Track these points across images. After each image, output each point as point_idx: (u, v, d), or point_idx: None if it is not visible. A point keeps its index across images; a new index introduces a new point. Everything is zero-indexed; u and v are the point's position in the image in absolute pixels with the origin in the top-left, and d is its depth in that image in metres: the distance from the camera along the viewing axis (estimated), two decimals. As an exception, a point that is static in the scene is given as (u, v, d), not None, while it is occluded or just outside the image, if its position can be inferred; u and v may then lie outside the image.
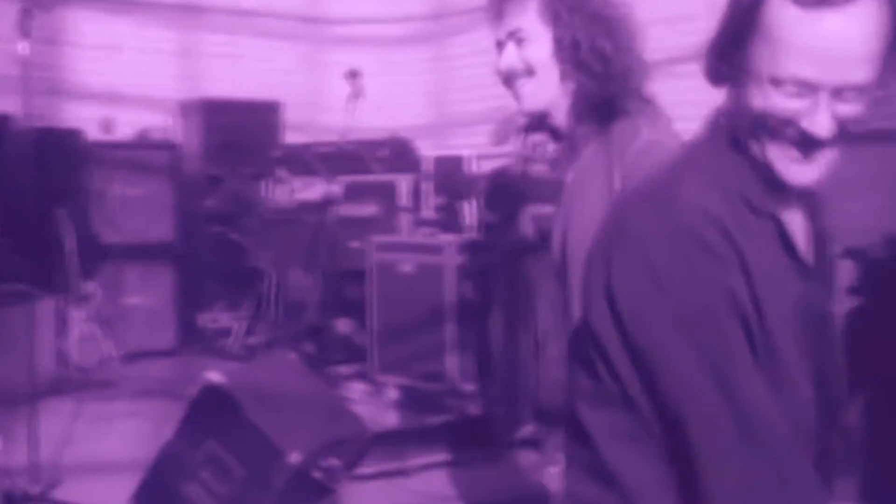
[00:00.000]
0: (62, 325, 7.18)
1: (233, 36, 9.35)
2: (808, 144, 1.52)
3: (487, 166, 7.00)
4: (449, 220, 7.12)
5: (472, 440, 5.59)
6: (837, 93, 1.49)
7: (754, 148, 1.56)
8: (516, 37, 2.20)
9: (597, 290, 1.59)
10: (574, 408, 1.68)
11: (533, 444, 5.54)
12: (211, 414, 3.73)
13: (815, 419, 1.61)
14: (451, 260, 6.19)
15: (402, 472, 5.13)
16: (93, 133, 8.09)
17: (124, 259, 7.88)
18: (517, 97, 2.24)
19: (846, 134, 1.52)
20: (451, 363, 6.10)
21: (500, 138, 5.71)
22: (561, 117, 2.22)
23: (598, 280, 1.58)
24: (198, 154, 8.57)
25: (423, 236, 6.75)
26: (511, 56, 2.21)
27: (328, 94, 9.25)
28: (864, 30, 1.48)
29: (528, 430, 5.64)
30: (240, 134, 8.55)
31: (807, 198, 1.65)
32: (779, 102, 1.51)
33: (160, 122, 8.64)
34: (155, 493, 3.79)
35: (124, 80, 8.66)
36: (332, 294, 7.32)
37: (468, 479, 5.19)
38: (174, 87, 8.83)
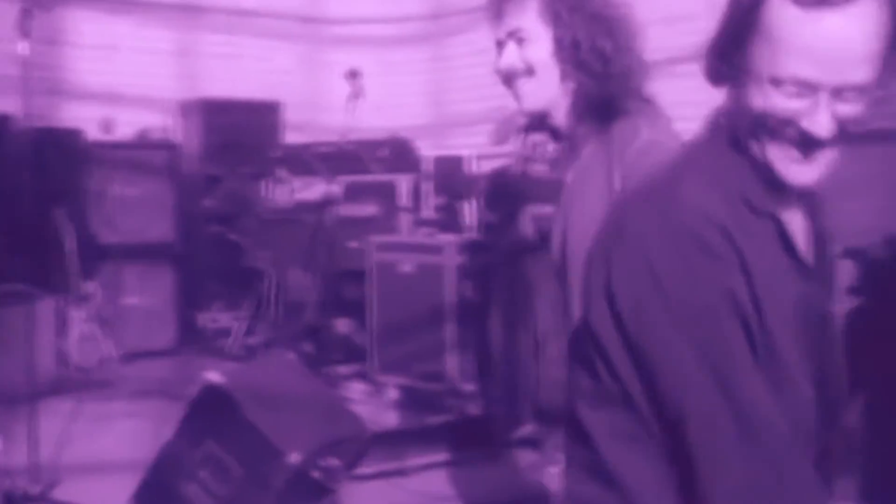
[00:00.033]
0: (62, 326, 7.17)
1: (232, 36, 9.35)
2: (807, 144, 1.51)
3: (487, 166, 7.00)
4: (449, 220, 7.13)
5: (472, 440, 5.59)
6: (837, 93, 1.49)
7: (754, 148, 1.56)
8: (516, 36, 2.20)
9: (597, 290, 1.59)
10: (574, 407, 1.68)
11: (532, 443, 5.54)
12: (210, 414, 3.73)
13: (815, 419, 1.61)
14: (451, 260, 6.19)
15: (402, 472, 5.13)
16: (92, 133, 8.09)
17: (124, 259, 7.88)
18: (517, 97, 2.24)
19: (846, 134, 1.52)
20: (451, 363, 6.10)
21: (500, 138, 5.71)
22: (561, 117, 2.22)
23: (598, 280, 1.58)
24: (197, 154, 8.57)
25: (422, 236, 6.75)
26: (511, 56, 2.21)
27: (327, 94, 9.25)
28: (864, 29, 1.48)
29: (527, 429, 5.64)
30: (239, 134, 8.55)
31: (807, 198, 1.64)
32: (779, 102, 1.50)
33: (160, 122, 8.63)
34: (154, 493, 3.80)
35: (124, 80, 8.66)
36: (332, 294, 7.32)
37: (468, 478, 5.19)
38: (173, 87, 8.83)
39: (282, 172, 7.99)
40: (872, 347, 3.58)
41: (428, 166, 7.84)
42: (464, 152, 7.91)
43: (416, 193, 7.47)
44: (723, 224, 1.52)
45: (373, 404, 6.21)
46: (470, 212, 6.86)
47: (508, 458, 5.49)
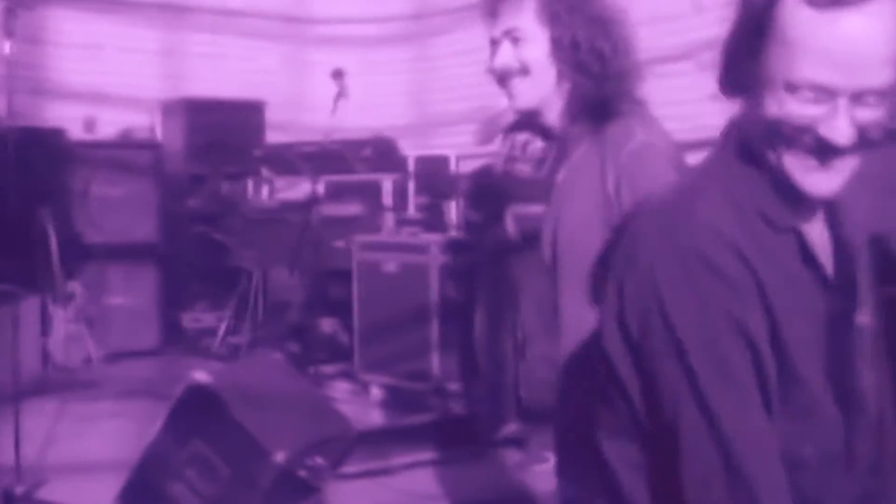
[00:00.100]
0: (46, 325, 7.16)
1: (216, 35, 9.33)
2: (826, 152, 1.45)
3: (470, 166, 7.02)
4: (432, 219, 7.14)
5: (457, 439, 5.60)
6: (856, 97, 1.43)
7: (771, 158, 1.50)
8: (512, 36, 2.21)
9: (609, 317, 1.55)
10: (592, 436, 1.66)
11: (517, 442, 5.56)
12: (196, 413, 3.72)
13: (846, 442, 1.55)
14: (435, 259, 6.20)
15: (387, 471, 5.13)
16: (75, 132, 8.07)
17: (107, 259, 7.86)
18: (510, 96, 2.24)
19: (866, 140, 1.45)
20: (436, 362, 6.11)
21: (485, 138, 5.71)
22: (553, 117, 2.23)
23: (611, 306, 1.54)
24: (181, 154, 8.55)
25: (406, 236, 6.76)
26: (506, 55, 2.21)
27: (311, 93, 9.24)
28: (883, 30, 1.41)
29: (512, 428, 5.65)
30: (223, 133, 8.54)
31: (827, 207, 1.57)
32: (795, 109, 1.44)
33: (143, 122, 8.62)
34: (140, 493, 3.79)
35: (107, 80, 8.64)
36: (317, 293, 7.32)
37: (453, 477, 5.20)
38: (157, 87, 8.81)
39: (265, 172, 7.99)
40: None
41: (411, 166, 7.85)
42: (447, 152, 7.92)
43: (399, 193, 7.48)
44: (737, 245, 1.46)
45: (357, 403, 6.22)
46: (453, 211, 6.87)
47: (493, 457, 5.51)
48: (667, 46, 5.80)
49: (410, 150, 8.24)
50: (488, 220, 5.86)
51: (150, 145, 8.45)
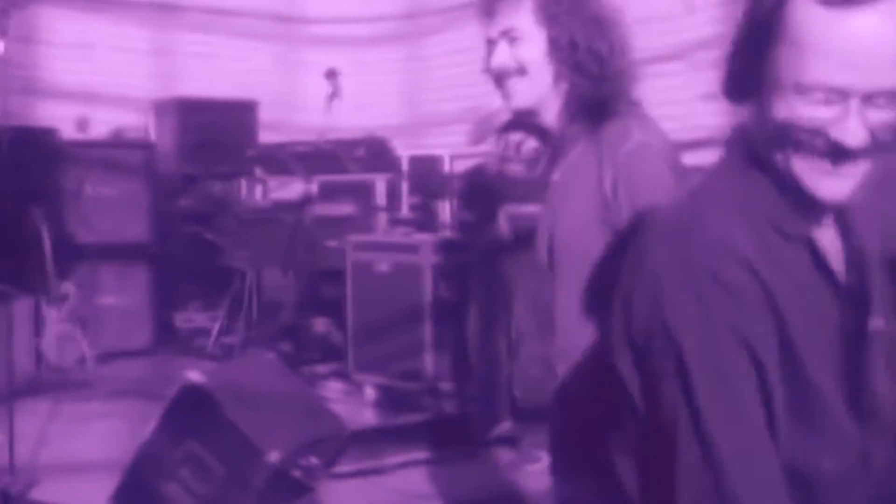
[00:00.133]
0: (38, 326, 7.15)
1: (208, 35, 9.33)
2: (838, 155, 1.41)
3: (463, 166, 7.02)
4: (425, 219, 7.14)
5: (450, 438, 5.61)
6: (868, 99, 1.39)
7: (780, 164, 1.45)
8: (509, 36, 2.21)
9: (618, 334, 1.52)
10: (589, 437, 1.66)
11: (510, 442, 5.56)
12: (190, 413, 3.72)
13: (861, 453, 1.51)
14: (428, 259, 6.20)
15: (380, 471, 5.14)
16: (68, 132, 8.05)
17: (100, 259, 7.85)
18: (506, 95, 2.24)
19: (878, 143, 1.41)
20: (428, 362, 6.11)
21: (478, 138, 5.72)
22: (550, 117, 2.23)
23: (619, 322, 1.51)
24: (173, 153, 8.54)
25: (399, 236, 6.76)
26: (503, 55, 2.21)
27: (303, 93, 9.25)
28: (895, 30, 1.37)
29: (504, 428, 5.66)
30: (215, 133, 8.53)
31: (837, 212, 1.52)
32: (805, 112, 1.40)
33: (135, 122, 8.61)
34: (134, 493, 3.79)
35: (99, 79, 8.63)
36: (309, 293, 7.32)
37: (446, 477, 5.20)
38: (149, 86, 8.80)
39: (258, 172, 7.99)
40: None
41: (404, 166, 7.86)
42: (440, 152, 7.93)
43: (392, 193, 7.48)
44: (747, 257, 1.42)
45: (350, 403, 6.22)
46: (446, 211, 6.88)
47: (486, 457, 5.51)
48: (659, 46, 5.82)
49: (403, 150, 8.24)
50: (481, 219, 5.87)
51: (143, 145, 8.44)
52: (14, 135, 6.69)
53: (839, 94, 1.39)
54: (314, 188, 7.44)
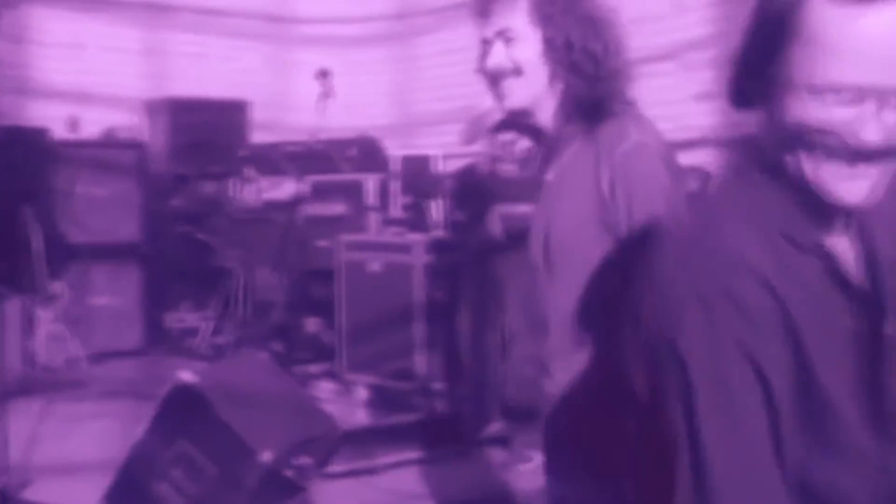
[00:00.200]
0: (29, 326, 7.14)
1: (199, 35, 9.32)
2: (857, 158, 1.36)
3: (454, 165, 7.03)
4: (416, 219, 7.15)
5: (442, 438, 5.61)
6: (885, 98, 1.34)
7: (796, 169, 1.40)
8: (505, 36, 2.20)
9: (629, 347, 1.48)
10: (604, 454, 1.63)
11: (501, 441, 5.57)
12: (182, 413, 3.72)
13: (882, 469, 1.45)
14: (420, 259, 6.21)
15: (372, 471, 5.14)
16: (59, 132, 8.04)
17: (91, 259, 7.85)
18: (502, 96, 2.23)
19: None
20: (420, 362, 6.12)
21: (470, 138, 5.73)
22: (545, 117, 2.23)
23: (630, 336, 1.47)
24: (164, 153, 8.53)
25: (391, 235, 6.77)
26: (499, 55, 2.21)
27: (294, 93, 9.24)
28: None
29: (496, 428, 5.67)
30: (206, 133, 8.53)
31: (853, 217, 1.46)
32: (821, 113, 1.35)
33: (126, 121, 8.60)
34: (126, 493, 3.79)
35: (90, 79, 8.62)
36: (301, 293, 7.33)
37: (438, 476, 5.21)
38: (140, 86, 8.79)
39: (249, 172, 7.99)
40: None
41: (395, 166, 7.86)
42: (431, 152, 7.94)
43: (384, 193, 7.49)
44: (760, 271, 1.37)
45: (342, 403, 6.22)
46: (437, 211, 6.88)
47: (478, 456, 5.52)
48: (650, 47, 5.83)
49: (395, 150, 8.25)
50: (473, 219, 5.87)
51: (134, 145, 8.44)
52: (5, 135, 6.70)
53: (856, 95, 1.34)
54: (306, 188, 7.44)
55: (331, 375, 6.70)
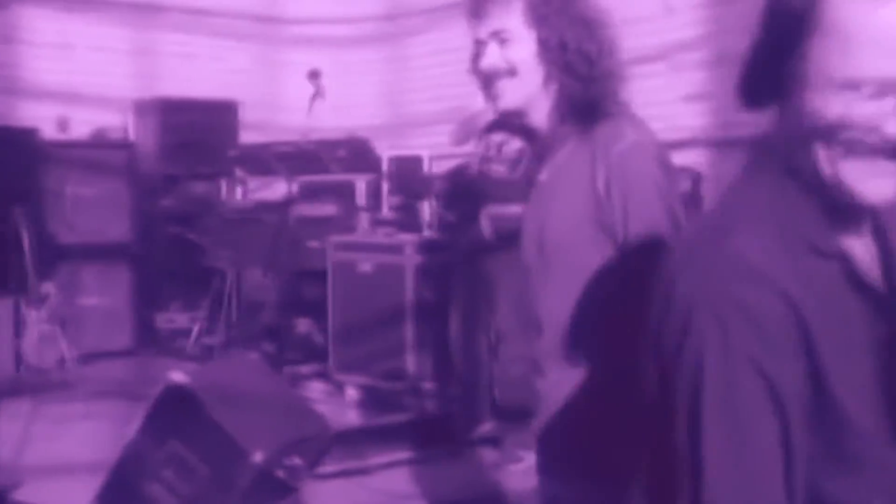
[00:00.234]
0: (19, 326, 7.13)
1: (189, 35, 9.31)
2: (879, 154, 1.30)
3: (444, 166, 7.04)
4: (407, 219, 7.15)
5: (433, 438, 5.62)
6: None
7: (814, 168, 1.34)
8: (500, 37, 2.20)
9: (650, 364, 1.42)
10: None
11: (492, 441, 5.58)
12: (174, 413, 3.72)
13: None
14: (410, 259, 6.22)
15: (363, 471, 5.15)
16: (48, 132, 8.04)
17: (81, 259, 7.84)
18: (495, 96, 2.22)
19: None
20: (411, 362, 6.13)
21: (461, 138, 5.74)
22: (538, 117, 2.24)
23: (649, 349, 1.41)
24: (154, 153, 8.52)
25: (381, 236, 6.77)
26: (494, 56, 2.21)
27: (284, 93, 9.24)
28: None
29: (487, 427, 5.68)
30: (196, 133, 8.52)
31: (869, 217, 1.42)
32: (842, 109, 1.30)
33: (116, 122, 8.59)
34: (117, 493, 3.79)
35: (79, 79, 8.60)
36: (291, 294, 7.32)
37: (429, 476, 5.22)
38: (130, 86, 8.77)
39: (240, 172, 7.98)
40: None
41: (386, 166, 7.87)
42: (421, 152, 7.94)
43: (374, 193, 7.49)
44: (776, 281, 1.30)
45: (333, 403, 6.23)
46: (428, 211, 6.89)
47: (469, 456, 5.53)
48: (639, 48, 5.84)
49: (385, 151, 8.25)
50: (463, 220, 5.88)
51: (124, 145, 8.44)
52: (-6, 135, 6.68)
53: (877, 89, 1.29)
54: (296, 188, 7.44)
55: (322, 376, 6.70)
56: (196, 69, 9.20)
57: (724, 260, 1.33)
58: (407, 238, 6.44)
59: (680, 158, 2.25)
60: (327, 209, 7.28)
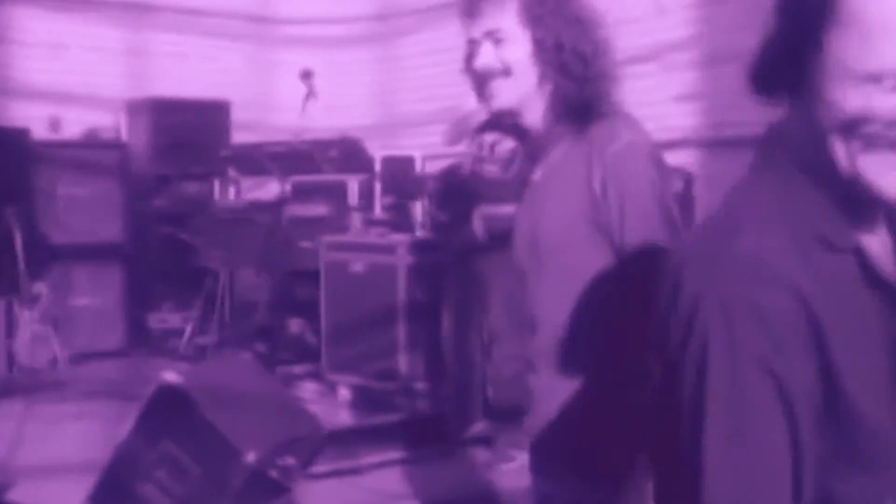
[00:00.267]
0: (11, 327, 7.12)
1: (181, 35, 9.30)
2: None
3: (436, 166, 7.04)
4: (399, 219, 7.15)
5: (425, 438, 5.63)
6: None
7: (832, 161, 1.30)
8: (494, 37, 2.20)
9: (654, 364, 1.39)
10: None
11: (484, 441, 5.59)
12: (167, 413, 3.72)
13: None
14: (403, 259, 6.22)
15: (356, 471, 5.15)
16: (40, 132, 8.03)
17: (73, 259, 7.83)
18: (489, 96, 2.22)
19: None
20: (403, 362, 6.13)
21: (454, 138, 5.74)
22: (533, 117, 2.24)
23: (656, 349, 1.38)
24: (146, 153, 8.52)
25: (374, 236, 6.77)
26: (489, 55, 2.21)
27: (276, 93, 9.25)
28: None
29: (479, 427, 5.69)
30: (189, 133, 8.52)
31: (888, 211, 1.38)
32: (863, 101, 1.25)
33: (108, 122, 8.59)
34: (110, 494, 3.78)
35: (71, 79, 8.60)
36: (284, 294, 7.32)
37: (421, 476, 5.22)
38: (122, 86, 8.77)
39: (232, 172, 7.98)
40: None
41: (378, 166, 7.87)
42: (413, 152, 7.95)
43: (367, 193, 7.50)
44: (787, 278, 1.27)
45: (325, 403, 6.22)
46: (420, 212, 6.89)
47: (461, 456, 5.54)
48: (630, 48, 5.85)
49: (376, 151, 8.26)
50: (456, 220, 5.89)
51: (116, 145, 8.43)
52: (-14, 135, 6.67)
53: None
54: (288, 188, 7.44)
55: (314, 376, 6.70)
56: (188, 69, 9.20)
57: (731, 257, 1.29)
58: (399, 238, 6.45)
59: (671, 159, 2.26)
60: (320, 209, 7.28)
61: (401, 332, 6.14)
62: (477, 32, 2.22)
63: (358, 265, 6.43)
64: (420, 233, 6.63)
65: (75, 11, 8.75)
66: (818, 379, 1.28)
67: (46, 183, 7.79)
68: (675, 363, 1.31)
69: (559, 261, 2.16)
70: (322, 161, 7.64)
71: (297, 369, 6.90)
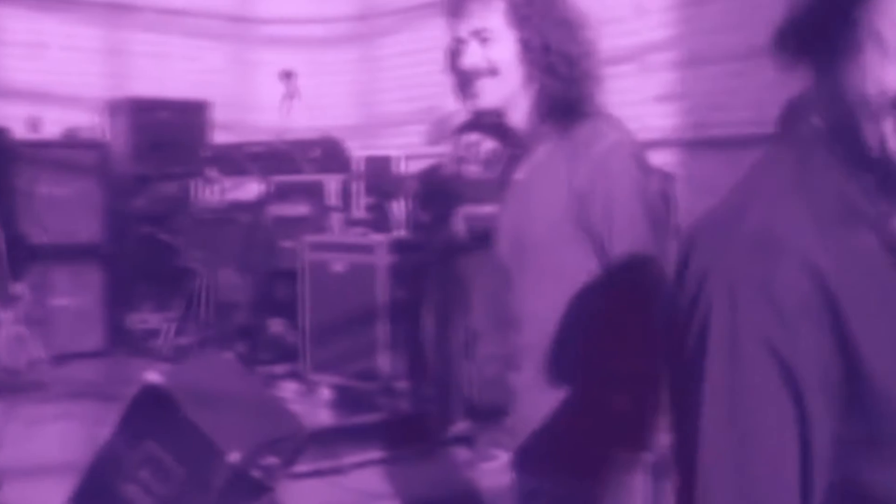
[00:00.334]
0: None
1: (161, 35, 9.29)
2: None
3: (416, 166, 7.05)
4: (379, 219, 7.16)
5: (406, 438, 5.64)
6: None
7: (870, 137, 1.20)
8: (481, 36, 2.21)
9: (666, 345, 1.32)
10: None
11: (466, 440, 5.60)
12: (149, 414, 3.72)
13: None
14: (383, 259, 6.22)
15: (337, 470, 5.16)
16: (20, 132, 8.00)
17: (52, 260, 7.81)
18: (474, 95, 2.23)
19: None
20: (384, 362, 6.14)
21: (435, 138, 5.76)
22: (518, 117, 2.25)
23: (667, 343, 1.30)
24: (126, 153, 8.50)
25: (354, 236, 6.78)
26: (475, 55, 2.21)
27: (257, 93, 9.24)
28: None
29: (460, 427, 5.70)
30: (168, 133, 8.51)
31: None
32: None
33: (88, 121, 8.56)
34: (93, 494, 3.78)
35: (51, 79, 8.57)
36: (264, 294, 7.32)
37: (402, 476, 5.23)
38: (102, 86, 8.76)
39: (212, 172, 7.97)
40: None
41: (358, 166, 7.88)
42: (394, 152, 7.96)
43: (347, 193, 7.50)
44: (801, 253, 1.19)
45: (306, 403, 6.22)
46: (400, 211, 6.90)
47: (442, 455, 5.55)
48: (611, 49, 5.88)
49: (356, 151, 8.27)
50: (437, 220, 5.90)
51: (96, 145, 8.40)
52: (-35, 135, 6.64)
53: None
54: (269, 188, 7.44)
55: (294, 376, 6.70)
56: (168, 69, 9.18)
57: (740, 232, 1.21)
58: (379, 238, 6.45)
59: (652, 159, 2.27)
60: (300, 209, 7.28)
61: (381, 331, 6.15)
62: (463, 31, 2.22)
63: (338, 265, 6.44)
64: (400, 232, 6.64)
65: (55, 11, 8.72)
66: (836, 360, 1.20)
67: (25, 183, 7.77)
68: (679, 343, 1.25)
69: (543, 259, 2.18)
70: (302, 161, 7.64)
71: (278, 369, 6.90)
